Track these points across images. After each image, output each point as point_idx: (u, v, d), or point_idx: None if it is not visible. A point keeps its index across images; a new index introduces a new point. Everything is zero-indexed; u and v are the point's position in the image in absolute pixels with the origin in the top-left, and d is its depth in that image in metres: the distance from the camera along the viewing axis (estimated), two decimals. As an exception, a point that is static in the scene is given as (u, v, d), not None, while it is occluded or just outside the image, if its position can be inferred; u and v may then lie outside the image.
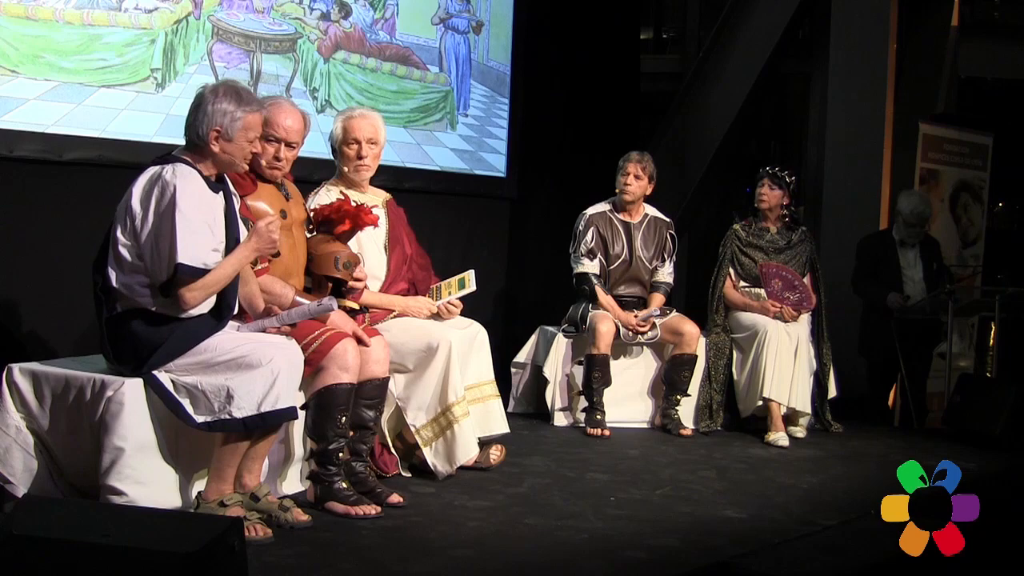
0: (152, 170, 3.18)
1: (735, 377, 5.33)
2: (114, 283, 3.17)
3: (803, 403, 5.19)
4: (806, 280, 5.43)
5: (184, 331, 3.17)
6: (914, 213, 5.93)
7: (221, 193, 3.27)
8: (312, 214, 3.81)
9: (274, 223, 3.30)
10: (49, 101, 4.35)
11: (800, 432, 5.20)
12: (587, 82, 6.87)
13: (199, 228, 3.12)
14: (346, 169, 4.06)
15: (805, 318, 5.37)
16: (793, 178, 5.46)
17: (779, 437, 5.07)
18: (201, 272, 3.11)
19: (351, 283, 3.74)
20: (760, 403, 5.17)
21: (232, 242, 3.24)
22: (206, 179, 3.21)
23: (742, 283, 5.46)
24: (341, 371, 3.43)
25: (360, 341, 3.58)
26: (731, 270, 5.46)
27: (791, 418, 5.25)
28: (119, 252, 3.15)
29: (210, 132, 3.18)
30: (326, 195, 4.01)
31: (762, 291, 5.37)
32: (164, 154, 3.27)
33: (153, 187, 3.12)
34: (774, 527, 3.57)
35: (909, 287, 5.93)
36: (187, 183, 3.11)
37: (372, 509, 3.45)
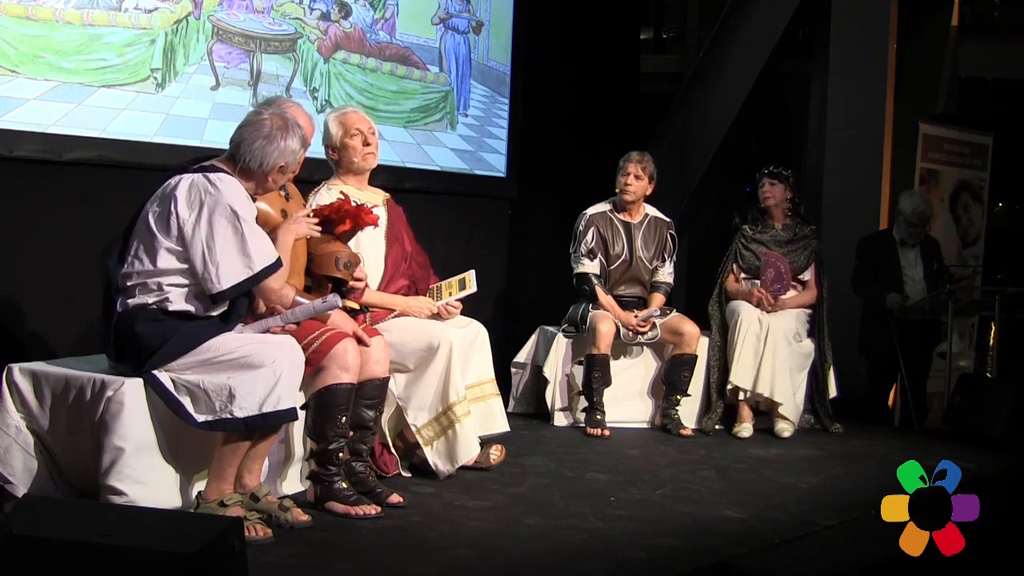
0: (191, 177, 3.19)
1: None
2: (134, 281, 3.19)
3: (767, 389, 5.15)
4: (808, 274, 5.48)
5: (187, 331, 3.18)
6: (916, 213, 5.93)
7: None
8: (312, 214, 3.81)
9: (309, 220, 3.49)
10: (49, 101, 4.35)
11: (786, 431, 5.17)
12: (587, 82, 6.87)
13: (258, 230, 3.22)
14: (355, 160, 4.07)
15: (794, 313, 5.37)
16: (790, 171, 5.57)
17: (741, 429, 5.18)
18: (277, 264, 3.21)
19: (351, 283, 3.74)
20: (730, 388, 5.21)
21: None
22: None
23: (743, 276, 5.51)
24: (341, 371, 3.44)
25: (360, 341, 3.59)
26: (734, 265, 5.53)
27: (771, 413, 5.24)
28: (157, 254, 3.17)
29: (275, 167, 3.27)
30: (326, 194, 4.01)
31: (758, 283, 5.43)
32: (198, 160, 3.29)
33: (201, 194, 3.15)
34: (774, 527, 3.57)
35: (909, 287, 5.93)
36: (237, 192, 3.19)
37: (372, 509, 3.45)
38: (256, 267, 3.16)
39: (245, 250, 3.15)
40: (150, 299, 3.19)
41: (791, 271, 5.42)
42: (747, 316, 5.22)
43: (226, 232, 3.14)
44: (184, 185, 3.17)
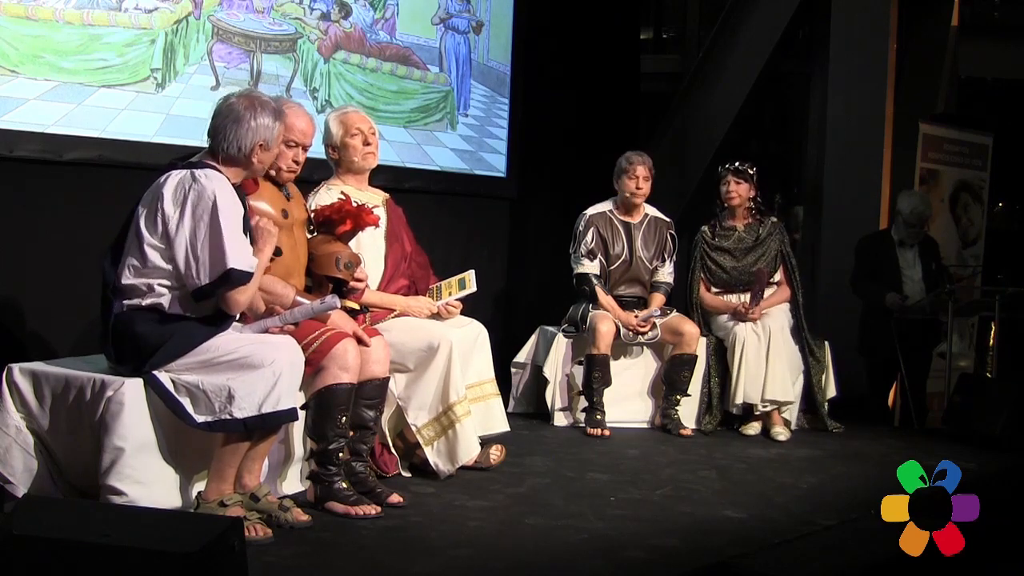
0: (179, 173, 3.18)
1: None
2: (128, 281, 3.18)
3: (778, 393, 5.16)
4: (779, 275, 5.45)
5: (187, 332, 3.18)
6: (914, 213, 5.94)
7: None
8: (313, 215, 3.81)
9: (265, 222, 3.37)
10: (49, 101, 4.35)
11: (782, 435, 5.15)
12: (587, 82, 6.87)
13: (240, 232, 3.17)
14: (355, 160, 4.08)
15: (783, 308, 5.37)
16: (755, 169, 5.48)
17: (748, 427, 5.24)
18: (249, 275, 3.15)
19: (352, 283, 3.74)
20: (736, 407, 5.23)
21: None
22: (233, 186, 3.25)
23: (714, 289, 5.48)
24: (341, 371, 3.44)
25: (360, 341, 3.59)
26: (702, 275, 5.50)
27: (774, 416, 5.23)
28: (145, 253, 3.16)
29: (255, 147, 3.24)
30: (326, 194, 4.01)
31: (733, 297, 5.42)
32: (186, 157, 3.28)
33: (186, 190, 3.14)
34: (774, 527, 3.57)
35: (908, 287, 5.93)
36: (223, 188, 3.16)
37: (372, 509, 3.45)
38: (229, 263, 3.09)
39: (222, 247, 3.10)
40: (145, 301, 3.18)
41: (763, 275, 5.38)
42: (744, 334, 5.20)
43: (208, 228, 3.11)
44: (171, 182, 3.17)
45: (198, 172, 3.16)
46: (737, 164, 5.46)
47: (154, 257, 3.16)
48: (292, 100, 4.33)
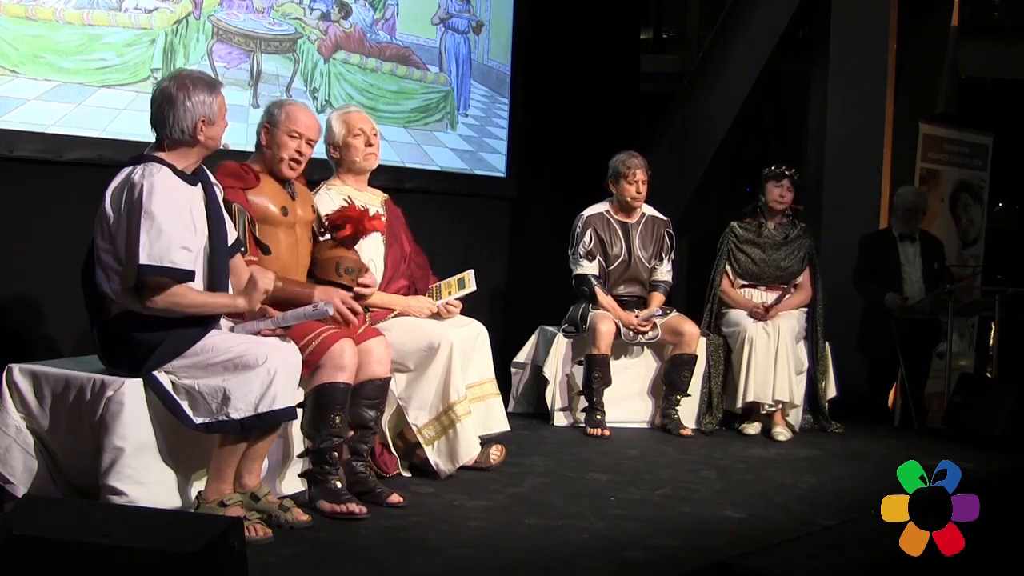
0: (123, 172, 3.17)
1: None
2: (104, 289, 3.17)
3: (786, 394, 5.17)
4: (804, 276, 5.48)
5: (181, 332, 3.16)
6: (904, 200, 5.99)
7: (200, 185, 3.26)
8: (325, 219, 3.80)
9: (268, 279, 3.27)
10: (49, 101, 4.35)
11: (783, 435, 5.16)
12: (587, 82, 6.87)
13: (165, 226, 3.06)
14: (357, 160, 4.08)
15: (795, 315, 5.38)
16: (799, 176, 5.57)
17: (749, 427, 5.26)
18: (164, 271, 3.05)
19: (357, 290, 3.73)
20: (740, 406, 5.23)
21: (216, 234, 3.24)
22: (181, 173, 3.20)
23: (740, 280, 5.48)
24: (337, 370, 3.44)
25: (346, 320, 3.56)
26: (728, 267, 5.49)
27: (776, 416, 5.24)
28: (102, 258, 3.16)
29: (197, 124, 3.19)
30: (326, 195, 4.02)
31: (756, 294, 5.43)
32: (136, 155, 3.25)
33: (123, 189, 3.12)
34: (774, 527, 3.58)
35: (908, 286, 5.93)
36: (154, 181, 3.09)
37: (359, 508, 3.42)
38: (139, 259, 3.02)
39: (136, 244, 3.03)
40: (125, 306, 3.15)
41: (788, 274, 5.43)
42: (755, 332, 5.20)
43: (136, 225, 3.04)
44: (113, 184, 3.16)
45: (136, 168, 3.14)
46: (792, 170, 5.50)
47: (111, 261, 3.14)
48: (293, 99, 4.33)
